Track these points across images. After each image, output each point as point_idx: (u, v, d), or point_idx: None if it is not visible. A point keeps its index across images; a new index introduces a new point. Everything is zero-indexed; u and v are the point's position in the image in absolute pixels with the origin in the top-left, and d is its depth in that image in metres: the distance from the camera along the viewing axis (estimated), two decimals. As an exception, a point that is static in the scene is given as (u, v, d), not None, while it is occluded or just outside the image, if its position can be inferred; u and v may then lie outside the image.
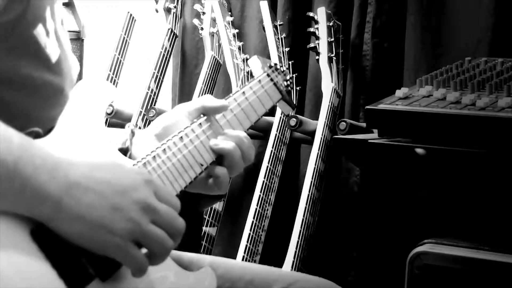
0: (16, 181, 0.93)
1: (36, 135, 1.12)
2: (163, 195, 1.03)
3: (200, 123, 1.24)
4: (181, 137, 1.20)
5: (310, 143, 2.39)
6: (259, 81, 1.38)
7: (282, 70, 1.44)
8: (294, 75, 2.49)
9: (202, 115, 1.26)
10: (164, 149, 1.16)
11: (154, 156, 1.14)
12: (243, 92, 1.34)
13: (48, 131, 1.15)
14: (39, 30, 1.10)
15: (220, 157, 1.25)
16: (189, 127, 1.22)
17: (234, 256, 2.34)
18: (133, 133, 1.24)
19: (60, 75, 1.15)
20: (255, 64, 1.44)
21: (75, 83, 1.23)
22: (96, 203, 0.97)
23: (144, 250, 1.01)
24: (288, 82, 1.44)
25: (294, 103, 1.50)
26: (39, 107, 1.12)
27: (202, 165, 1.21)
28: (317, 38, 2.42)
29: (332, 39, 2.42)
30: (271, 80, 1.40)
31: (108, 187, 0.99)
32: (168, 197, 1.04)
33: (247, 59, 2.61)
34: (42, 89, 1.11)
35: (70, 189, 0.96)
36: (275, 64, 1.43)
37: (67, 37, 1.23)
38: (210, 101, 1.27)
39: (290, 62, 2.51)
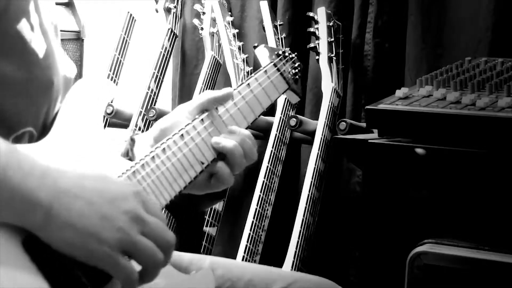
0: (5, 189, 0.91)
1: (30, 136, 1.11)
2: (151, 208, 1.01)
3: (202, 119, 1.21)
4: (182, 134, 1.17)
5: (310, 143, 2.39)
6: (265, 71, 1.34)
7: (290, 57, 1.39)
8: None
9: (204, 111, 1.24)
10: (164, 149, 1.14)
11: (153, 157, 1.12)
12: (248, 84, 1.30)
13: (43, 128, 1.13)
14: (23, 25, 1.07)
15: (221, 154, 1.22)
16: (191, 124, 1.19)
17: (234, 256, 2.34)
18: (133, 141, 1.23)
19: (49, 69, 1.13)
20: (262, 53, 1.40)
21: (71, 79, 1.22)
22: (86, 211, 0.95)
23: (137, 267, 0.99)
24: (297, 70, 1.40)
25: (301, 92, 1.45)
26: (28, 104, 1.10)
27: (203, 163, 1.18)
28: (317, 38, 2.42)
29: (332, 39, 2.42)
30: (278, 70, 1.36)
31: (97, 195, 0.97)
32: (155, 210, 1.02)
33: (247, 59, 2.62)
34: (29, 85, 1.09)
35: (60, 196, 0.94)
36: (283, 52, 1.39)
37: (56, 32, 1.21)
38: (212, 93, 1.24)
39: (290, 62, 2.51)
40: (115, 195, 0.98)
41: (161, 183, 1.12)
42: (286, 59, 1.39)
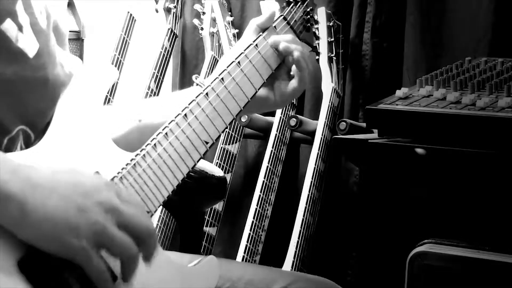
0: None
1: (25, 135, 1.10)
2: (125, 196, 1.01)
3: (197, 102, 1.20)
4: (185, 114, 1.16)
5: (310, 143, 2.39)
6: (274, 27, 1.30)
7: (303, 0, 1.35)
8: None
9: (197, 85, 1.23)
10: (166, 133, 1.13)
11: (155, 145, 1.11)
12: (256, 45, 1.27)
13: (44, 127, 1.12)
14: (7, 25, 1.07)
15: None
16: (194, 101, 1.20)
17: (234, 256, 2.34)
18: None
19: (42, 68, 1.12)
20: (271, 6, 1.36)
21: (72, 75, 1.20)
22: (63, 204, 0.95)
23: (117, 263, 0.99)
24: (309, 16, 1.36)
25: (313, 41, 1.43)
26: (15, 103, 1.09)
27: (207, 143, 1.17)
28: (317, 38, 2.42)
29: (332, 39, 2.42)
30: (288, 23, 1.32)
31: (71, 189, 0.97)
32: (130, 197, 1.02)
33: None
34: (15, 85, 1.08)
35: (34, 191, 0.94)
36: None
37: (57, 31, 1.20)
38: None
39: (290, 62, 2.50)
40: (88, 188, 0.98)
41: (163, 174, 1.11)
42: (297, 5, 1.35)
